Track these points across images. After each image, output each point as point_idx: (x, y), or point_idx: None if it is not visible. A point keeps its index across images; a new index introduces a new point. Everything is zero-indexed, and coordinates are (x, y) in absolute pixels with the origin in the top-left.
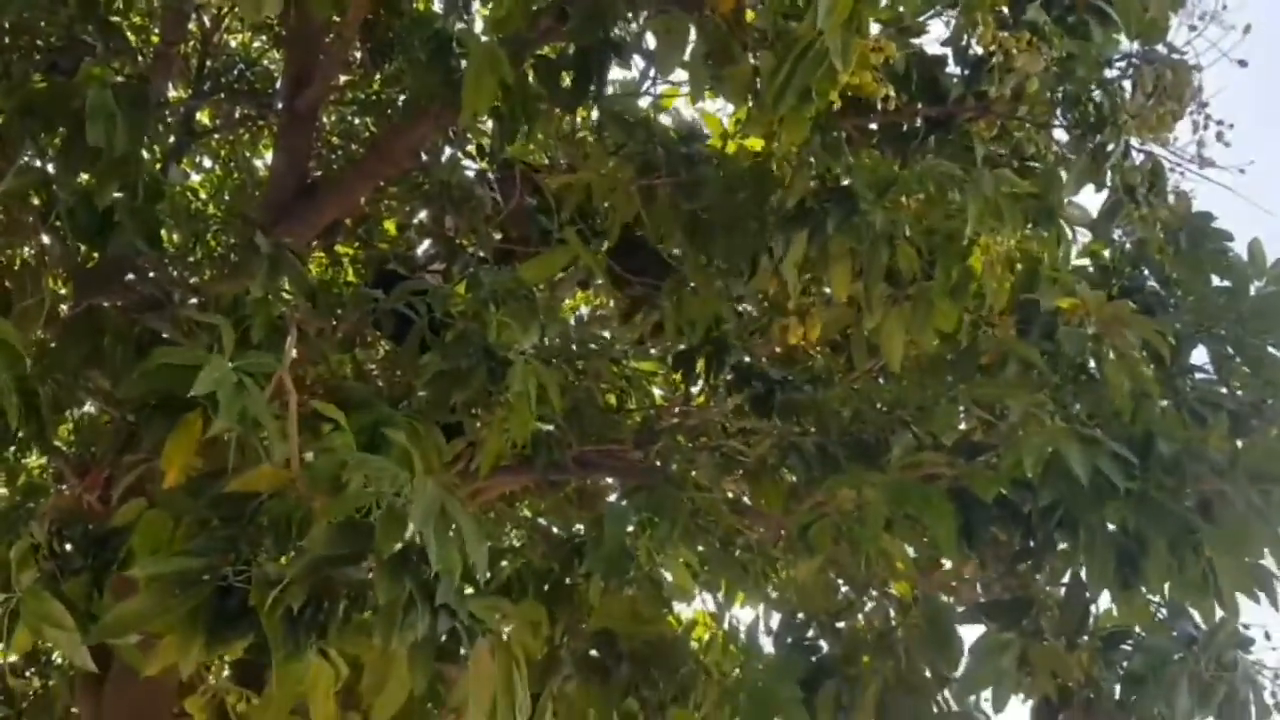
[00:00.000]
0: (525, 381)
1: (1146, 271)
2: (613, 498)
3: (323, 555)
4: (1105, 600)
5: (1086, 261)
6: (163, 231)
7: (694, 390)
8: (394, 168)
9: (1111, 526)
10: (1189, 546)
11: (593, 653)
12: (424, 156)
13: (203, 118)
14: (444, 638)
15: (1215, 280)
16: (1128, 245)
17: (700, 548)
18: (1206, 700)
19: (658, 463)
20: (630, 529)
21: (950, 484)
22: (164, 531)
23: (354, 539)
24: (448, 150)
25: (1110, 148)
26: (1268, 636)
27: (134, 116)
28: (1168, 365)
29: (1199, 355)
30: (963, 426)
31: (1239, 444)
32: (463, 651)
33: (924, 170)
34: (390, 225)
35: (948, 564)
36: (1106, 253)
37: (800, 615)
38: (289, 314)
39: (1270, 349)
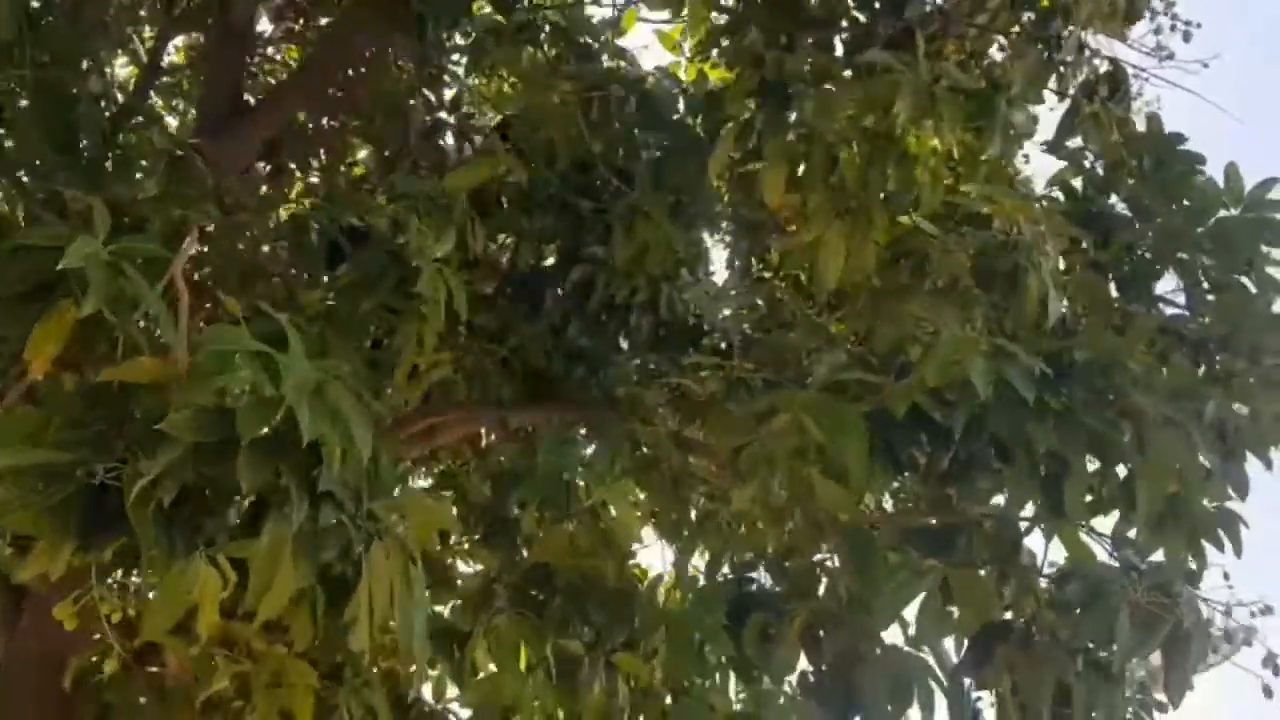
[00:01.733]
0: (435, 286)
1: (1114, 199)
2: None
3: (189, 444)
4: None
5: (1057, 191)
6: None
7: None
8: (327, 82)
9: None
10: (1111, 466)
11: (529, 587)
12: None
13: (179, 58)
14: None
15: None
16: (1099, 171)
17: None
18: (1149, 632)
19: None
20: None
21: (877, 405)
22: (29, 427)
23: (220, 425)
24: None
25: (1063, 42)
26: (1226, 577)
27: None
28: (1129, 290)
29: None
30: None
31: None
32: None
33: (860, 63)
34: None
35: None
36: (1078, 182)
37: (749, 555)
38: (192, 217)
39: (1237, 277)
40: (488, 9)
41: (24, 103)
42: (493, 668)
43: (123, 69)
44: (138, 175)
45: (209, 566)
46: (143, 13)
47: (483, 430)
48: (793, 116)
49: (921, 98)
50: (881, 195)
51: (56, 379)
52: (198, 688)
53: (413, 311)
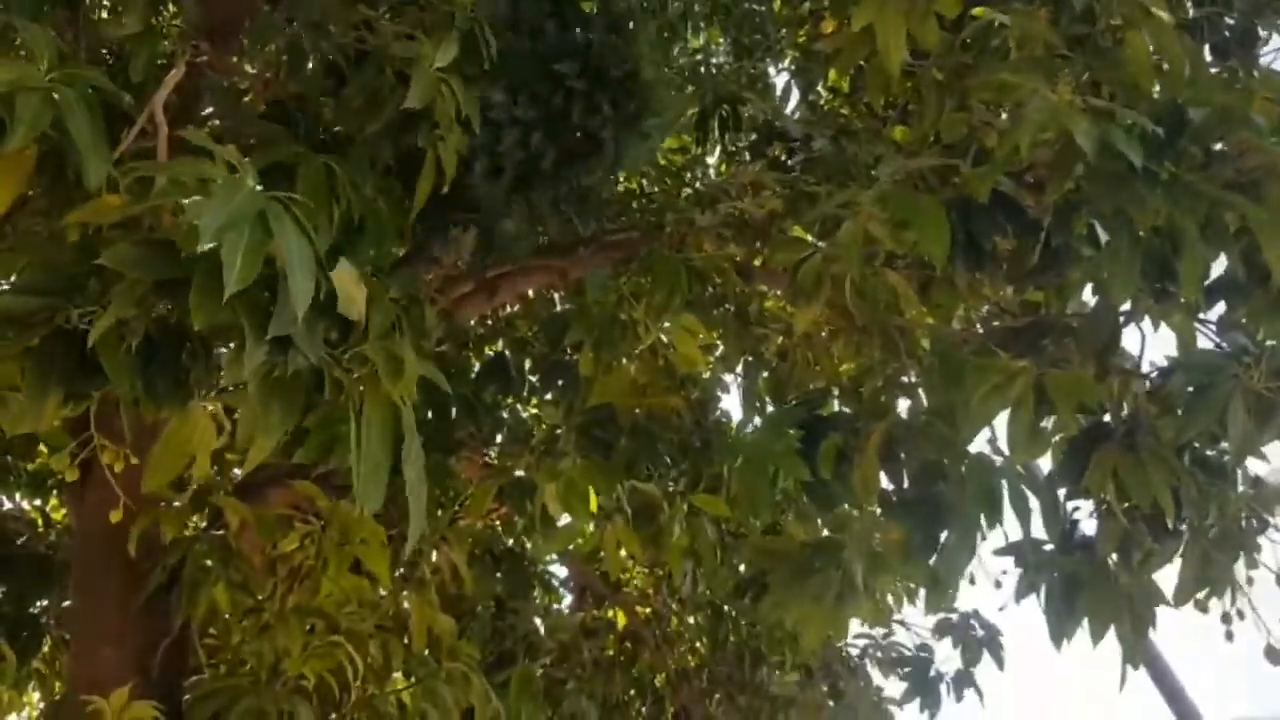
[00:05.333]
0: (429, 93)
1: None
2: None
3: (149, 282)
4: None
5: None
6: None
7: (711, 161)
8: None
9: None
10: (1228, 236)
11: (593, 430)
12: None
13: None
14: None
15: None
16: None
17: (719, 330)
18: (1268, 420)
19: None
20: (631, 301)
21: (953, 196)
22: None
23: (168, 259)
24: None
25: None
26: None
27: None
28: (1227, 54)
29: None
30: None
31: None
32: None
33: None
34: None
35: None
36: None
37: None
38: (178, 50)
39: None
40: None
41: None
42: (567, 517)
43: None
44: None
45: (204, 415)
46: None
47: None
48: None
49: None
50: None
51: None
52: (265, 547)
53: (427, 133)
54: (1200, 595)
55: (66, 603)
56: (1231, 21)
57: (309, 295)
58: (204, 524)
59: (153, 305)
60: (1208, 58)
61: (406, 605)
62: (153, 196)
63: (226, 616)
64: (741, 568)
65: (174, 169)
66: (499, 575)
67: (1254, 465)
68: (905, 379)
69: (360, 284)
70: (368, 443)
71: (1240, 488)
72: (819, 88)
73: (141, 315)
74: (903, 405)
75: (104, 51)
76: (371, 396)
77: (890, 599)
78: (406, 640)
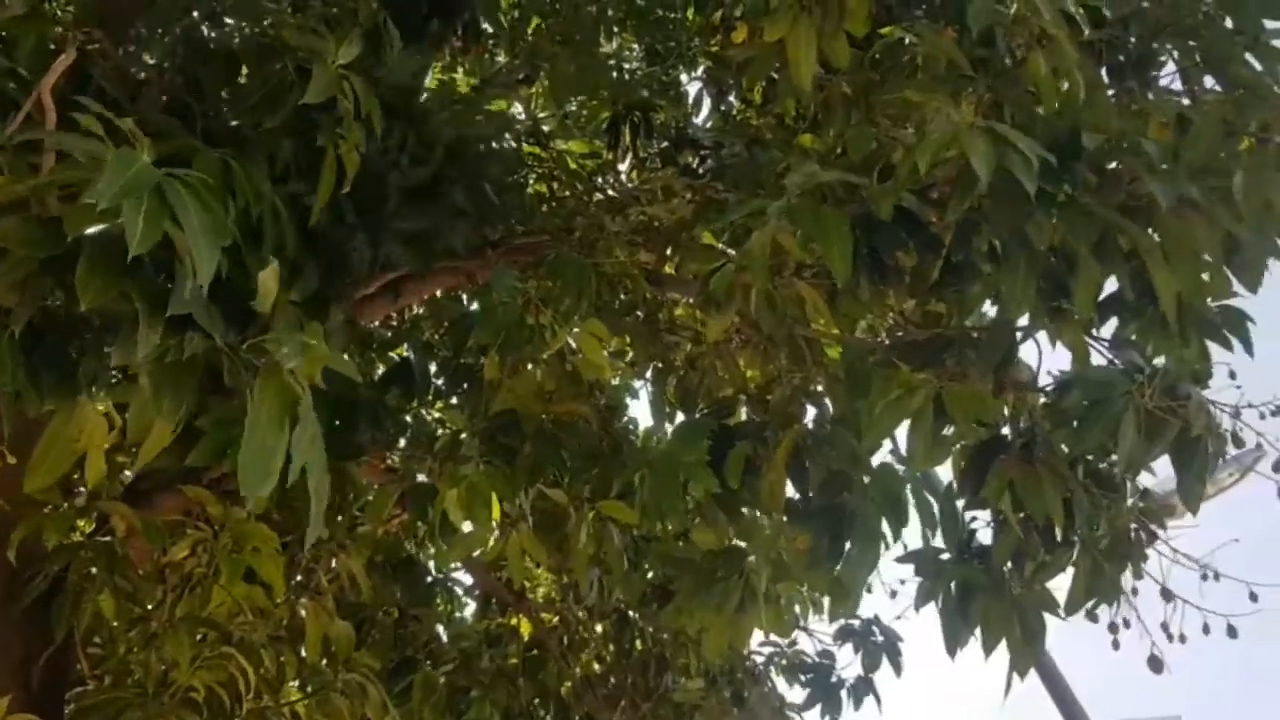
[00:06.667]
0: (330, 89)
1: None
2: None
3: (21, 260)
4: None
5: None
6: None
7: (623, 167)
8: None
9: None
10: (1120, 257)
11: (497, 436)
12: None
13: None
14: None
15: None
16: None
17: (628, 337)
18: (1156, 437)
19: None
20: (538, 305)
21: (859, 211)
22: None
23: (58, 236)
24: None
25: None
26: (1232, 375)
27: None
28: (1124, 76)
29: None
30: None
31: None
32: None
33: None
34: None
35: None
36: None
37: (729, 391)
38: (69, 36)
39: (1245, 52)
40: None
41: None
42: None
43: None
44: None
45: (95, 410)
46: None
47: None
48: None
49: None
50: None
51: None
52: (154, 554)
53: (329, 129)
54: (1089, 604)
55: None
56: (1132, 40)
57: (213, 265)
58: (90, 530)
59: (37, 291)
60: (1105, 79)
61: (302, 614)
62: (41, 176)
63: (113, 626)
64: (649, 575)
65: (64, 141)
66: (399, 583)
67: (1142, 478)
68: (812, 388)
69: (274, 277)
70: (255, 424)
71: (1129, 500)
72: (730, 96)
73: (26, 302)
74: (810, 415)
75: None
76: (266, 380)
77: (797, 608)
78: (302, 650)
